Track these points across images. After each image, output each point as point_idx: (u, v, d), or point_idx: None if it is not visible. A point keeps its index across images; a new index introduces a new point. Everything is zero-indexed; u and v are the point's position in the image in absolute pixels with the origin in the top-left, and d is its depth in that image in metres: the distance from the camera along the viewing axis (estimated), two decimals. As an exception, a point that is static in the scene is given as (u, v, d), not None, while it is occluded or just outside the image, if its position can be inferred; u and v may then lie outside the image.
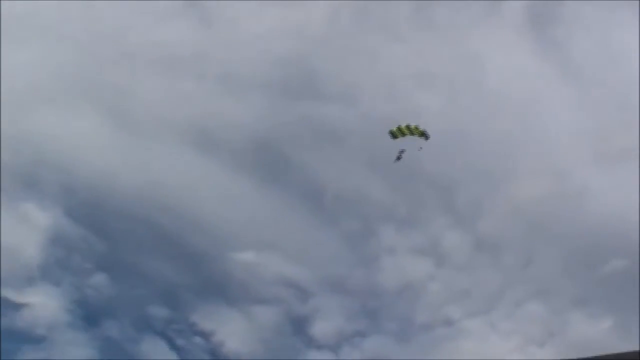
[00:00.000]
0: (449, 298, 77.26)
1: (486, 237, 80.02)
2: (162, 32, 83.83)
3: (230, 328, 72.95)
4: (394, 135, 45.25)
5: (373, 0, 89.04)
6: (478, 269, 79.41)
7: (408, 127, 45.08)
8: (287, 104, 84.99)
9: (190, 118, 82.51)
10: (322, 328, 75.08)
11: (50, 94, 77.34)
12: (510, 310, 76.19)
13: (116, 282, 73.22)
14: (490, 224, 79.93)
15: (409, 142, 45.57)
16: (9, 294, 66.92)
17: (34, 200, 72.40)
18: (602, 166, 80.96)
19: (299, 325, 75.70)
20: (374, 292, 78.30)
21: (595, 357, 44.53)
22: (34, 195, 72.89)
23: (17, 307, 67.12)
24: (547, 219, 79.75)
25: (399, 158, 46.94)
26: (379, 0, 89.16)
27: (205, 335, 72.07)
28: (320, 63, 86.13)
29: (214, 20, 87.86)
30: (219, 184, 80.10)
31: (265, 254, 75.81)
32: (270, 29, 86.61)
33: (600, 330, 71.59)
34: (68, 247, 72.37)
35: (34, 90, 75.59)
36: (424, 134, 45.30)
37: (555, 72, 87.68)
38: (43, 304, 68.31)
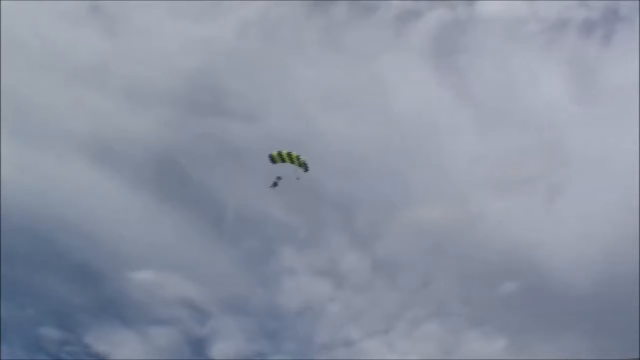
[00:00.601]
0: (349, 318, 78.14)
1: (384, 258, 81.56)
2: (64, 38, 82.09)
3: (126, 350, 71.15)
4: (273, 159, 46.17)
5: (284, 19, 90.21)
6: (377, 290, 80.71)
7: (289, 154, 46.11)
8: (191, 119, 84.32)
9: (90, 129, 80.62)
10: (221, 349, 74.32)
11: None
12: (408, 330, 77.60)
13: (5, 301, 69.57)
14: (389, 245, 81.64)
15: (287, 170, 46.86)
16: None
17: None
18: (498, 192, 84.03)
19: (197, 347, 74.49)
20: (274, 313, 78.17)
21: (595, 360, 45.85)
22: None
23: None
24: (444, 241, 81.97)
25: (275, 184, 48.49)
26: (289, 19, 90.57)
27: (99, 357, 70.35)
28: (227, 79, 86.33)
29: (119, 30, 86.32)
30: (118, 199, 78.16)
31: (163, 273, 74.56)
32: (177, 42, 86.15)
33: (495, 349, 73.89)
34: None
35: None
36: (304, 165, 46.42)
37: (456, 99, 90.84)
38: None
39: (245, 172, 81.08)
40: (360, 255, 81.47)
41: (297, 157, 46.21)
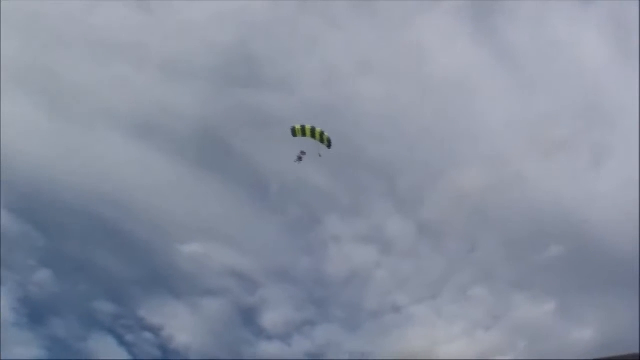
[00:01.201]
0: (396, 284, 78.71)
1: (429, 223, 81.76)
2: (100, 17, 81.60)
3: (179, 322, 72.49)
4: (294, 132, 44.98)
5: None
6: (423, 255, 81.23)
7: (313, 129, 44.96)
8: (229, 91, 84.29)
9: (131, 106, 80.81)
10: (271, 318, 75.47)
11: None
12: (456, 296, 78.05)
13: (60, 278, 71.45)
14: (433, 210, 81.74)
15: (310, 144, 45.40)
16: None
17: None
18: (540, 153, 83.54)
19: (248, 316, 75.90)
20: (321, 281, 79.00)
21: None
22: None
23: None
24: (488, 205, 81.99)
25: (299, 159, 46.78)
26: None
27: (154, 329, 71.23)
28: (261, 49, 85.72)
29: (153, 7, 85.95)
30: (162, 173, 79.00)
31: (211, 245, 75.41)
32: (210, 15, 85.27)
33: (544, 312, 74.02)
34: (10, 244, 69.67)
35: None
36: (327, 141, 45.27)
37: (493, 61, 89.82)
38: (-14, 304, 65.97)
39: (284, 142, 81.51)
40: (405, 220, 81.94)
41: (321, 133, 45.17)
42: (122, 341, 70.19)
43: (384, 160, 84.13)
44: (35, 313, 69.05)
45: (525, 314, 74.05)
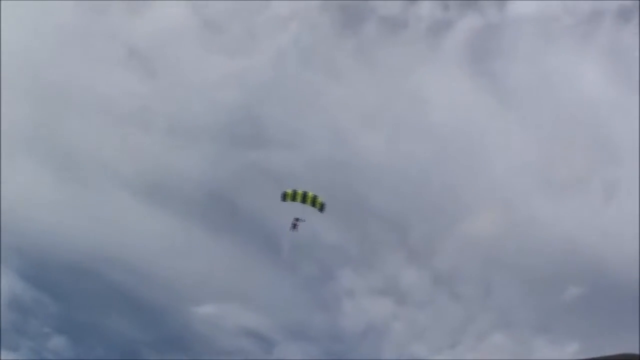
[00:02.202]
0: (413, 335, 77.28)
1: (443, 271, 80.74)
2: (107, 83, 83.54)
3: (195, 384, 71.47)
4: (284, 198, 43.53)
5: (316, 44, 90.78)
6: (439, 304, 79.84)
7: (305, 194, 43.54)
8: (235, 151, 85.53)
9: (139, 170, 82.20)
10: (288, 377, 74.09)
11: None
12: (475, 343, 76.27)
13: (75, 343, 71.78)
14: (446, 258, 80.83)
15: (301, 209, 43.66)
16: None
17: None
18: (551, 193, 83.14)
19: (264, 376, 74.51)
20: (337, 336, 77.84)
21: (594, 358, 45.07)
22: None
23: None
24: (501, 249, 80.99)
25: (294, 226, 45.07)
26: (321, 43, 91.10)
27: (169, 392, 70.25)
28: (266, 109, 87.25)
29: (158, 71, 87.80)
30: (172, 235, 79.08)
31: (224, 305, 74.90)
32: (214, 77, 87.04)
33: (566, 354, 72.14)
34: (24, 311, 71.00)
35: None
36: (320, 205, 43.63)
37: (496, 105, 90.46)
38: (2, 372, 65.65)
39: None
40: (419, 270, 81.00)
41: (313, 197, 43.57)
42: (137, 406, 69.32)
43: (394, 210, 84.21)
44: (51, 380, 68.26)
45: (547, 358, 72.51)
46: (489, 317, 77.44)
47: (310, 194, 43.47)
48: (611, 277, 73.80)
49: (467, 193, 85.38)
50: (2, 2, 77.11)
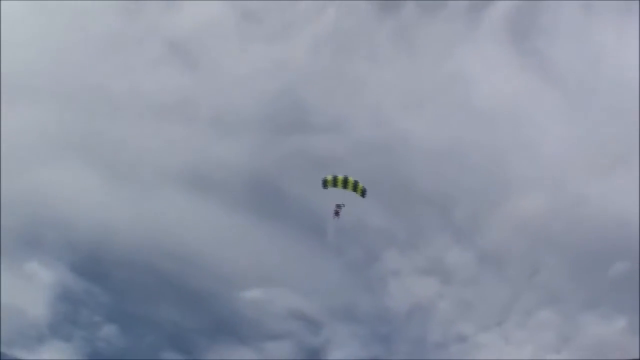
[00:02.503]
0: (460, 314, 77.18)
1: (488, 250, 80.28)
2: (149, 80, 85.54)
3: (245, 367, 72.69)
4: (325, 184, 42.71)
5: (355, 27, 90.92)
6: (485, 283, 79.53)
7: (346, 180, 42.65)
8: (278, 138, 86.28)
9: (184, 162, 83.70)
10: (337, 357, 74.98)
11: (44, 152, 78.65)
12: (522, 320, 75.93)
13: (126, 332, 72.98)
14: (492, 236, 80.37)
15: (342, 195, 43.09)
16: (21, 353, 67.07)
17: (37, 258, 72.89)
18: (595, 173, 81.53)
19: (313, 357, 75.41)
20: (384, 317, 78.07)
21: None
22: (37, 254, 73.40)
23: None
24: (548, 227, 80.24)
25: (337, 213, 44.54)
26: (360, 26, 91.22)
27: (221, 376, 71.70)
28: (307, 95, 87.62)
29: (198, 64, 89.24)
30: (219, 224, 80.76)
31: (272, 289, 75.85)
32: (254, 66, 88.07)
33: (615, 330, 71.25)
34: (75, 302, 72.68)
35: (29, 150, 76.83)
36: (362, 191, 42.77)
37: (540, 82, 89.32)
38: (56, 361, 68.08)
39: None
40: (464, 249, 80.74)
41: (355, 183, 42.71)
42: (190, 389, 70.87)
43: (439, 192, 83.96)
44: (104, 368, 70.49)
45: (595, 334, 71.50)
46: (535, 295, 77.01)
47: (351, 179, 42.73)
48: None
49: (512, 172, 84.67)
50: (45, 7, 79.84)
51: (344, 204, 43.94)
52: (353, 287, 79.40)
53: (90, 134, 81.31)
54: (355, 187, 42.82)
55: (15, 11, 78.97)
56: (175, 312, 75.59)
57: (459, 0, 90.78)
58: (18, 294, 68.61)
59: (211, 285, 76.20)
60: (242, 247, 79.32)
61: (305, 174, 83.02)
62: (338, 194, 43.15)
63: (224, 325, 76.06)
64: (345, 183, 42.80)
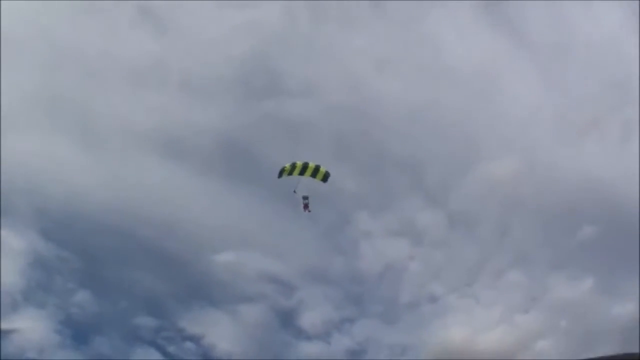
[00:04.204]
0: (430, 275, 78.75)
1: (458, 212, 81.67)
2: (118, 45, 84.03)
3: (219, 329, 73.37)
4: (281, 173, 40.26)
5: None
6: (455, 244, 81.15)
7: (305, 166, 40.18)
8: (250, 103, 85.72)
9: (156, 127, 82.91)
10: (309, 319, 76.05)
11: (14, 118, 77.04)
12: (492, 281, 77.71)
13: (100, 297, 73.32)
14: (462, 199, 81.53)
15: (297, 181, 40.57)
16: (-5, 322, 67.04)
17: (8, 226, 71.90)
18: (565, 137, 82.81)
19: (286, 319, 76.52)
20: (356, 278, 79.37)
21: (595, 358, 45.77)
22: (7, 222, 72.24)
23: (4, 334, 66.84)
24: (516, 190, 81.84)
25: (306, 207, 42.14)
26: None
27: (195, 339, 72.44)
28: (280, 60, 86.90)
29: (168, 27, 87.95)
30: (191, 189, 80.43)
31: (244, 252, 76.56)
32: (226, 30, 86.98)
33: (582, 290, 73.12)
34: (48, 269, 72.67)
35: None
36: (323, 175, 40.54)
37: (511, 46, 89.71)
38: (31, 328, 68.18)
39: (307, 147, 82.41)
40: (434, 211, 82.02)
41: (315, 168, 40.11)
42: (165, 353, 71.66)
43: (410, 155, 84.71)
44: (78, 333, 70.97)
45: (563, 294, 73.36)
46: (504, 256, 78.66)
47: (311, 164, 40.50)
48: (626, 215, 73.58)
49: (483, 136, 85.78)
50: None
51: (308, 196, 41.70)
52: (325, 250, 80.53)
53: (60, 99, 79.97)
54: (315, 172, 40.71)
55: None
56: (148, 276, 76.03)
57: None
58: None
59: (184, 249, 76.78)
60: (215, 211, 79.83)
61: (278, 138, 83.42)
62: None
63: (197, 288, 77.01)
64: (304, 169, 40.60)
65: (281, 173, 40.62)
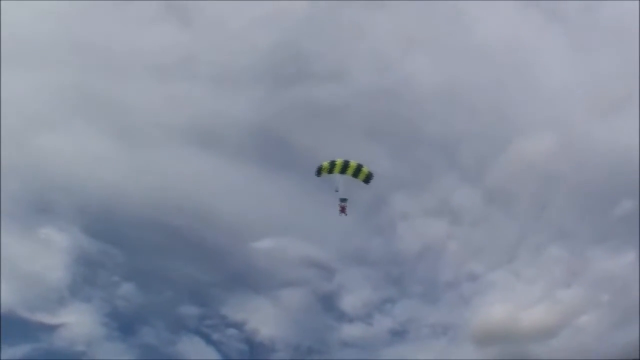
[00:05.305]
0: (470, 254, 78.34)
1: (495, 190, 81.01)
2: (145, 40, 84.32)
3: (261, 315, 74.36)
4: (319, 172, 38.39)
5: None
6: (493, 222, 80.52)
7: (346, 164, 38.03)
8: (280, 90, 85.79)
9: (189, 119, 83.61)
10: (350, 301, 76.64)
11: (49, 117, 78.38)
12: (532, 257, 77.12)
13: (143, 289, 74.58)
14: (498, 176, 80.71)
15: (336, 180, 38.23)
16: (44, 317, 68.91)
17: (51, 224, 73.78)
18: (600, 111, 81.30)
19: (328, 302, 77.16)
20: (395, 259, 79.64)
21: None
22: (50, 220, 74.25)
23: (54, 328, 68.88)
24: (555, 167, 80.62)
25: (343, 210, 40.91)
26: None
27: (238, 325, 73.67)
28: (307, 45, 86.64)
29: (194, 20, 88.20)
30: (227, 178, 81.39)
31: (283, 239, 77.21)
32: (251, 19, 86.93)
33: (624, 263, 71.98)
34: (92, 264, 73.92)
35: (33, 116, 76.77)
36: (366, 176, 38.56)
37: (543, 21, 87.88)
38: (78, 322, 69.79)
39: (340, 130, 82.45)
40: (471, 189, 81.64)
41: (357, 167, 38.50)
42: (209, 340, 72.81)
43: (444, 134, 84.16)
44: (124, 325, 72.38)
45: (604, 268, 72.55)
46: (544, 232, 77.90)
47: (352, 163, 38.81)
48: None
49: (517, 112, 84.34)
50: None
51: (346, 198, 40.05)
52: (363, 232, 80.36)
53: (92, 96, 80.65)
54: (357, 172, 38.85)
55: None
56: (189, 266, 76.99)
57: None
58: (36, 260, 70.68)
59: (223, 238, 77.40)
60: (251, 199, 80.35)
61: (311, 123, 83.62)
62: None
63: (238, 276, 77.71)
64: (344, 168, 38.71)
65: (319, 171, 39.04)
